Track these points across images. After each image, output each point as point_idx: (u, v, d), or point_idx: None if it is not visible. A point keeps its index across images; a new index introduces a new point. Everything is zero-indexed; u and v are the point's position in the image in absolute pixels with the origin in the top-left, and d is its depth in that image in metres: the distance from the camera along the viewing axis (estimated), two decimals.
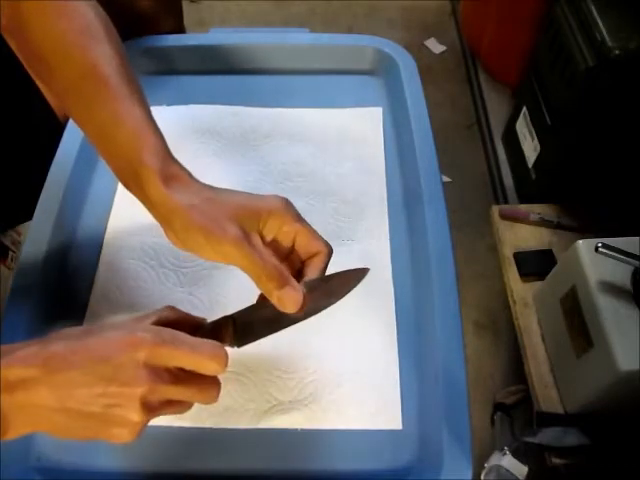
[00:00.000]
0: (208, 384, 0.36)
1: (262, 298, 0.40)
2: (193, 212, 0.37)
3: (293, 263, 0.41)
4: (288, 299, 0.37)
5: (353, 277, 0.42)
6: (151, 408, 0.34)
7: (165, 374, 0.34)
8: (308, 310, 0.39)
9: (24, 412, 0.32)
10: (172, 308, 0.39)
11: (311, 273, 0.40)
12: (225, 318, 0.40)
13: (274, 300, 0.38)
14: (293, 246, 0.40)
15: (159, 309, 0.38)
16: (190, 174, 0.40)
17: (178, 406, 0.36)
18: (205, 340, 0.36)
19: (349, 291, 0.41)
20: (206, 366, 0.35)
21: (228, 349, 0.36)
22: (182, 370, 0.35)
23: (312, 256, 0.40)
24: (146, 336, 0.33)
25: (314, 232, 0.40)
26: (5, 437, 0.32)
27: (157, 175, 0.38)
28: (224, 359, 0.35)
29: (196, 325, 0.39)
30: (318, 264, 0.40)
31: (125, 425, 0.33)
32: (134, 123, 0.39)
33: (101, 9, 0.44)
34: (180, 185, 0.38)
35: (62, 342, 0.33)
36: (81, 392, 0.32)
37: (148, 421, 0.34)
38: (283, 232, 0.39)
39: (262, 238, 0.39)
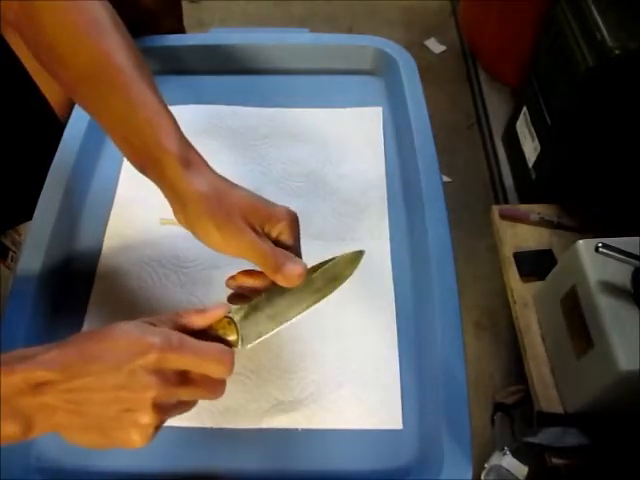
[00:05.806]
0: (214, 384, 0.37)
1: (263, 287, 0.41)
2: (208, 202, 0.39)
3: None
4: (290, 273, 0.39)
5: (350, 260, 0.43)
6: (164, 409, 0.35)
7: (173, 377, 0.35)
8: (314, 297, 0.41)
9: (46, 413, 0.33)
10: (180, 315, 0.39)
11: (285, 239, 0.41)
12: (225, 319, 0.40)
13: (279, 279, 0.39)
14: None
15: (170, 314, 0.38)
16: (206, 161, 0.41)
17: (188, 405, 0.37)
18: (212, 344, 0.36)
19: (350, 274, 0.43)
20: (213, 370, 0.36)
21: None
22: (190, 371, 0.36)
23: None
24: (155, 341, 0.34)
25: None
26: (30, 436, 0.34)
27: (177, 159, 0.39)
28: (230, 363, 0.36)
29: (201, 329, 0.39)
30: (287, 229, 0.41)
31: (137, 427, 0.34)
32: (150, 108, 0.40)
33: (109, 4, 0.45)
34: (198, 171, 0.40)
35: (78, 348, 0.34)
36: (96, 397, 0.33)
37: (162, 422, 0.35)
38: (279, 240, 0.41)
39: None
